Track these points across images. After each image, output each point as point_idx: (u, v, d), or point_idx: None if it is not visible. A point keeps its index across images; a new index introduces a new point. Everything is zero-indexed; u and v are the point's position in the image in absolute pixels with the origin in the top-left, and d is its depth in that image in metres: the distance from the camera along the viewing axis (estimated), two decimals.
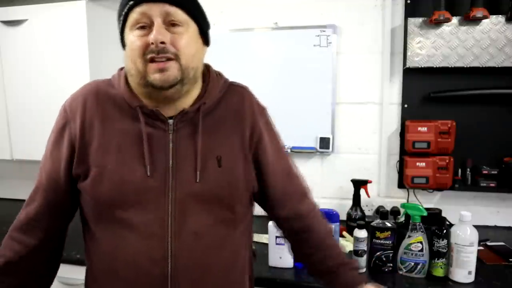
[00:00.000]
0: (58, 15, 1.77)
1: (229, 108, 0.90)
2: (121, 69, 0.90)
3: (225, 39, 1.92)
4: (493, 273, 1.30)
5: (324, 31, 1.82)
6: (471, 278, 1.23)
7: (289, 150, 1.89)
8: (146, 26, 0.78)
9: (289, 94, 1.89)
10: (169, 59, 0.77)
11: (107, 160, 0.81)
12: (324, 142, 1.87)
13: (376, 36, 1.81)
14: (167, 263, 0.80)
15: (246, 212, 0.92)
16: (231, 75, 2.07)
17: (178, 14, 0.79)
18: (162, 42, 0.76)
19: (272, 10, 1.89)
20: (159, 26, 0.77)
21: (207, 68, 0.94)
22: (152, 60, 0.77)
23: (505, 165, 1.68)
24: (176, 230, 0.80)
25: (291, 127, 1.90)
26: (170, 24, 0.78)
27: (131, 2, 0.78)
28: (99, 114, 0.83)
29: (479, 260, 1.28)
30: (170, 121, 0.83)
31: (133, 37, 0.79)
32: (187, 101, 0.86)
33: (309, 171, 1.95)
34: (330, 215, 1.33)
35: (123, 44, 0.85)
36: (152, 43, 0.76)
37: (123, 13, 0.80)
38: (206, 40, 0.90)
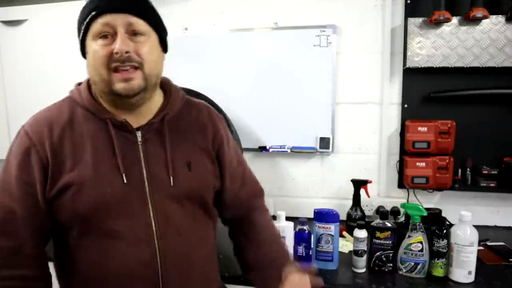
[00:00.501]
0: (58, 15, 1.77)
1: (190, 119, 0.96)
2: (78, 84, 0.93)
3: (225, 39, 1.92)
4: (493, 273, 1.30)
5: (324, 31, 1.82)
6: (471, 278, 1.23)
7: (289, 150, 1.90)
8: (108, 35, 0.80)
9: (289, 94, 1.88)
10: (133, 67, 0.81)
11: (84, 175, 0.82)
12: (324, 142, 1.87)
13: (376, 36, 1.81)
14: (156, 264, 0.85)
15: (215, 210, 1.01)
16: (231, 75, 2.09)
17: (140, 24, 0.82)
18: (127, 52, 0.79)
19: (272, 10, 1.89)
20: (122, 35, 0.79)
21: (167, 82, 0.98)
22: (116, 70, 0.80)
23: (505, 165, 1.68)
24: (161, 232, 0.86)
25: (291, 127, 1.90)
26: (133, 33, 0.81)
27: (94, 13, 0.80)
28: (68, 133, 0.84)
29: (479, 260, 1.28)
30: (138, 133, 0.88)
31: (96, 46, 0.80)
32: (150, 108, 0.91)
33: (309, 171, 1.95)
34: (330, 215, 1.33)
35: (83, 52, 0.87)
36: (117, 53, 0.78)
37: (85, 22, 0.82)
38: (164, 48, 0.92)
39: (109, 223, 0.83)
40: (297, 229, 1.36)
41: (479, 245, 1.32)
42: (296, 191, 1.96)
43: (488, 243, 1.55)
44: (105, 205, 0.82)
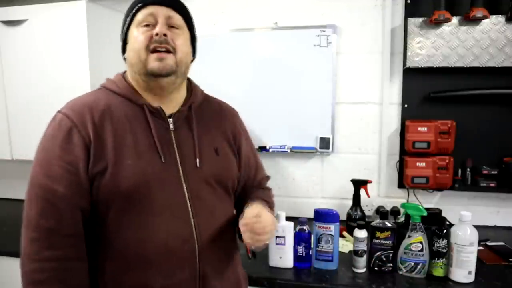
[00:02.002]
0: (58, 15, 1.77)
1: (211, 111, 1.05)
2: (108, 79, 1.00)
3: (225, 39, 1.92)
4: (493, 273, 1.30)
5: (324, 31, 1.82)
6: (471, 278, 1.23)
7: (289, 150, 1.90)
8: (150, 25, 0.91)
9: (289, 94, 1.89)
10: (167, 51, 0.90)
11: (125, 155, 0.87)
12: (324, 142, 1.88)
13: (376, 36, 1.81)
14: (194, 240, 0.90)
15: (233, 195, 1.08)
16: (231, 75, 2.09)
17: (178, 19, 0.94)
18: (165, 35, 0.89)
19: (272, 10, 1.89)
20: (162, 23, 0.90)
21: (188, 78, 1.05)
22: (153, 50, 0.89)
23: (505, 165, 1.68)
24: (196, 210, 0.92)
25: (291, 127, 1.90)
26: (170, 26, 0.92)
27: (140, 4, 0.91)
28: (108, 116, 0.90)
29: (479, 260, 1.28)
30: (170, 120, 0.95)
31: (138, 32, 0.91)
32: (178, 98, 0.99)
33: (309, 171, 1.95)
34: (330, 215, 1.33)
35: (125, 42, 0.95)
36: (157, 34, 0.88)
37: (131, 13, 0.92)
38: (194, 51, 1.02)
39: (149, 200, 0.87)
40: (297, 229, 1.36)
41: (479, 245, 1.32)
42: (296, 191, 1.96)
43: (488, 243, 1.55)
44: (146, 182, 0.87)
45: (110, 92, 0.95)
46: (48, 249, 0.83)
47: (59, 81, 1.77)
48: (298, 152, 1.90)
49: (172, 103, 0.98)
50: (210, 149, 0.98)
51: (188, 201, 0.91)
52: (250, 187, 1.14)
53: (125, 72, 1.00)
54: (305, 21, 1.85)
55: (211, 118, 1.04)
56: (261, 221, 0.91)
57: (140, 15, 0.91)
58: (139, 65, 0.91)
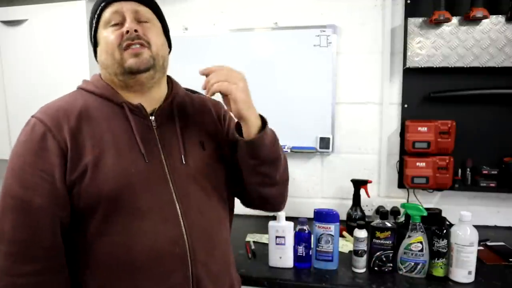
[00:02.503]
0: (58, 15, 1.77)
1: (194, 105, 1.01)
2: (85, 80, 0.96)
3: (225, 39, 1.92)
4: (493, 273, 1.30)
5: (324, 31, 1.82)
6: (471, 278, 1.23)
7: (289, 150, 1.90)
8: (118, 24, 0.87)
9: (289, 94, 1.88)
10: (142, 45, 0.86)
11: (105, 156, 0.82)
12: (324, 142, 1.87)
13: (376, 36, 1.81)
14: (184, 241, 0.85)
15: (231, 199, 1.04)
16: None
17: (145, 11, 0.90)
18: (136, 30, 0.85)
19: (272, 10, 1.89)
20: (131, 19, 0.87)
21: (168, 76, 1.02)
22: (127, 47, 0.85)
23: (505, 165, 1.68)
24: (185, 210, 0.87)
25: (291, 127, 1.90)
26: (139, 21, 0.88)
27: (103, 3, 0.88)
28: (85, 117, 0.85)
29: (479, 260, 1.28)
30: (152, 118, 0.91)
31: (107, 33, 0.87)
32: (159, 94, 0.95)
33: (309, 171, 1.95)
34: (330, 215, 1.33)
35: (95, 44, 0.92)
36: (127, 31, 0.85)
37: (96, 13, 0.89)
38: (169, 43, 0.98)
39: (134, 202, 0.83)
40: (297, 229, 1.36)
41: (479, 245, 1.32)
42: (296, 191, 1.96)
43: (488, 243, 1.55)
44: (130, 184, 0.83)
45: (87, 93, 0.90)
46: (25, 264, 0.78)
47: (59, 81, 1.76)
48: (298, 152, 1.90)
49: (153, 100, 0.93)
50: (195, 144, 0.94)
51: (176, 201, 0.86)
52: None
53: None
54: (305, 21, 1.85)
55: (194, 112, 0.99)
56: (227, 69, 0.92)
57: (106, 14, 0.87)
58: (114, 65, 0.86)
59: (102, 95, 0.89)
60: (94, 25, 0.90)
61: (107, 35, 0.87)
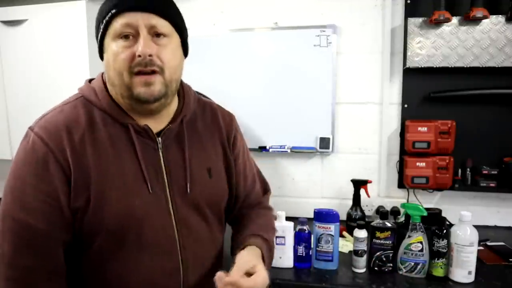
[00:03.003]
0: (58, 15, 1.77)
1: (205, 121, 0.94)
2: (89, 81, 0.87)
3: (225, 39, 1.92)
4: (493, 273, 1.30)
5: (324, 31, 1.82)
6: (471, 278, 1.23)
7: (289, 150, 1.90)
8: (129, 36, 0.76)
9: (289, 94, 1.88)
10: (154, 72, 0.76)
11: (109, 186, 0.77)
12: (324, 142, 1.87)
13: (376, 36, 1.81)
14: (179, 274, 0.84)
15: (225, 214, 1.00)
16: (231, 75, 2.09)
17: (163, 26, 0.78)
18: (150, 55, 0.75)
19: (272, 10, 1.89)
20: (145, 38, 0.75)
21: (180, 84, 0.93)
22: (138, 73, 0.76)
23: (505, 165, 1.68)
24: (183, 242, 0.84)
25: (291, 127, 1.90)
26: (155, 35, 0.77)
27: (114, 11, 0.75)
28: (88, 138, 0.78)
29: (479, 260, 1.28)
30: (159, 139, 0.84)
31: (117, 48, 0.76)
32: (168, 112, 0.87)
33: (309, 171, 1.95)
34: (330, 215, 1.33)
35: (102, 51, 0.81)
36: (140, 56, 0.74)
37: (105, 21, 0.76)
38: (185, 51, 0.89)
39: (134, 236, 0.79)
40: (297, 229, 1.36)
41: (479, 245, 1.32)
42: (296, 191, 1.96)
43: (488, 243, 1.55)
44: (133, 217, 0.79)
45: (90, 104, 0.82)
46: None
47: (59, 81, 1.77)
48: (298, 152, 1.90)
49: (162, 118, 0.86)
50: (203, 170, 0.88)
51: (176, 234, 0.83)
52: (249, 205, 1.04)
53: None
54: (305, 21, 1.85)
55: (205, 129, 0.92)
56: (250, 280, 0.76)
57: (116, 25, 0.75)
58: (122, 88, 0.78)
59: (105, 111, 0.81)
60: (101, 30, 0.78)
61: (116, 50, 0.75)
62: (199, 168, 0.88)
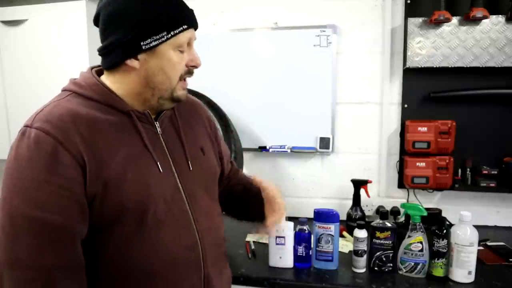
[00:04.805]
0: (58, 15, 1.77)
1: (187, 109, 1.03)
2: (74, 79, 0.89)
3: (225, 39, 1.92)
4: (493, 273, 1.30)
5: (324, 31, 1.82)
6: (471, 278, 1.23)
7: (289, 150, 1.90)
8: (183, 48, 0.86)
9: (289, 94, 1.88)
10: None
11: (124, 168, 0.80)
12: (324, 142, 1.87)
13: (376, 36, 1.81)
14: (198, 246, 0.89)
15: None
16: (231, 75, 2.09)
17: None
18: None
19: (272, 10, 1.89)
20: (195, 51, 0.89)
21: None
22: (183, 79, 0.88)
23: (505, 165, 1.68)
24: (196, 215, 0.90)
25: (291, 127, 1.90)
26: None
27: (185, 26, 0.83)
28: (95, 126, 0.80)
29: (479, 260, 1.28)
30: (157, 123, 0.91)
31: (177, 58, 0.85)
32: None
33: (309, 171, 1.95)
34: (330, 215, 1.33)
35: (137, 51, 0.81)
36: (196, 66, 0.88)
37: (173, 32, 0.82)
38: None
39: (154, 213, 0.83)
40: (297, 229, 1.36)
41: (479, 245, 1.32)
42: (296, 191, 1.96)
43: (488, 243, 1.55)
44: (150, 196, 0.83)
45: (83, 97, 0.83)
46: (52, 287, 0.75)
47: (59, 81, 1.75)
48: (298, 152, 1.90)
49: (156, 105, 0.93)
50: (197, 149, 0.98)
51: (188, 208, 0.89)
52: (233, 176, 1.19)
53: (92, 68, 0.89)
54: (305, 21, 1.85)
55: (189, 115, 1.02)
56: (272, 194, 1.03)
57: (183, 39, 0.84)
58: (167, 91, 0.86)
59: (104, 102, 0.83)
60: (164, 39, 0.81)
61: (176, 60, 0.84)
62: (194, 147, 0.97)
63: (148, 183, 0.83)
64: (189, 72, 0.88)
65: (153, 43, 0.81)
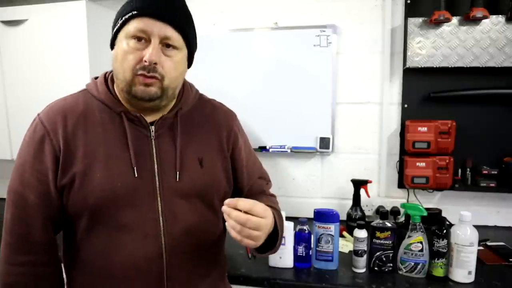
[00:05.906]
0: (58, 15, 1.76)
1: (203, 115, 0.97)
2: (95, 78, 0.93)
3: (225, 39, 1.92)
4: (493, 273, 1.30)
5: (324, 31, 1.82)
6: (471, 278, 1.23)
7: (289, 150, 1.90)
8: (141, 39, 0.81)
9: (289, 94, 1.88)
10: (154, 78, 0.81)
11: (94, 167, 0.83)
12: (324, 142, 1.87)
13: (376, 36, 1.81)
14: (162, 260, 0.86)
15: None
16: (231, 75, 2.09)
17: (176, 39, 0.83)
18: (155, 63, 0.80)
19: (272, 10, 1.89)
20: (156, 47, 0.80)
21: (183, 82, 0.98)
22: (140, 74, 0.81)
23: (505, 165, 1.68)
24: (169, 229, 0.87)
25: (291, 127, 1.90)
26: (165, 45, 0.82)
27: (134, 12, 0.79)
28: (82, 123, 0.85)
29: (479, 260, 1.28)
30: (152, 128, 0.88)
31: (127, 47, 0.81)
32: (166, 108, 0.92)
33: (309, 171, 1.95)
34: (330, 215, 1.33)
35: (113, 43, 0.87)
36: (145, 61, 0.79)
37: (124, 18, 0.81)
38: (190, 63, 0.94)
39: (117, 216, 0.84)
40: (297, 229, 1.36)
41: (479, 245, 1.32)
42: (296, 191, 1.96)
43: (488, 243, 1.55)
44: (115, 197, 0.83)
45: (91, 95, 0.89)
46: (19, 254, 0.85)
47: (59, 81, 1.77)
48: (298, 152, 1.90)
49: (159, 112, 0.90)
50: (194, 160, 0.91)
51: (160, 219, 0.86)
52: (252, 195, 1.06)
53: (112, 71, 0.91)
54: (305, 21, 1.85)
55: (200, 124, 0.95)
56: (248, 202, 0.79)
57: (131, 27, 0.80)
58: (123, 83, 0.83)
59: (104, 102, 0.88)
60: (118, 26, 0.83)
61: (127, 49, 0.81)
62: (191, 158, 0.91)
63: (115, 185, 0.83)
64: (143, 68, 0.80)
65: (114, 31, 0.85)
